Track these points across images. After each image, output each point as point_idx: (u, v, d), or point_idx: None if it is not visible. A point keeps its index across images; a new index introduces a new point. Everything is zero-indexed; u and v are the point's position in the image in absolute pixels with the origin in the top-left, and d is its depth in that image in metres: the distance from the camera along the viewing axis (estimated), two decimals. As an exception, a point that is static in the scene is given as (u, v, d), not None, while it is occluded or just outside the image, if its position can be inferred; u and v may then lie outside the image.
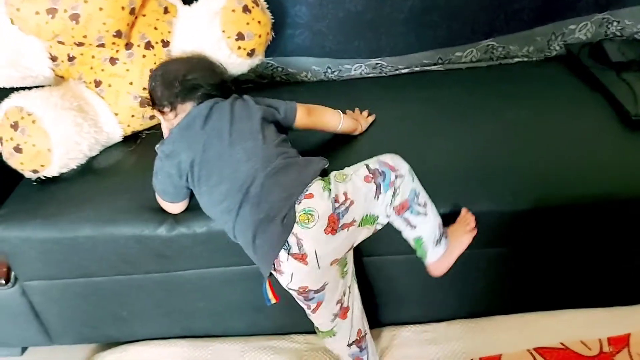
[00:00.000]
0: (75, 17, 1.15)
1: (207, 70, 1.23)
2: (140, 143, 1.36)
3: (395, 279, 1.25)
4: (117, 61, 1.27)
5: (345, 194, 1.02)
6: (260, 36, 1.30)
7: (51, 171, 1.20)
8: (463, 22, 1.49)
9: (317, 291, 1.06)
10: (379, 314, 1.30)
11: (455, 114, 1.35)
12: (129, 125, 1.33)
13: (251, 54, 1.31)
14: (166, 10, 1.35)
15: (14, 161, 1.17)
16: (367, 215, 1.05)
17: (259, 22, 1.30)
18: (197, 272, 1.23)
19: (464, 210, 1.13)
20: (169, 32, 1.33)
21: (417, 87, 1.50)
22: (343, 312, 1.13)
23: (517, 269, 1.24)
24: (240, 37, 1.27)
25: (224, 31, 1.26)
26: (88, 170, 1.26)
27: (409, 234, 1.11)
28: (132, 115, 1.31)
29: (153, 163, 1.16)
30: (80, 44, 1.21)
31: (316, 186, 1.02)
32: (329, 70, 1.57)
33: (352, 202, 1.02)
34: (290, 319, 1.31)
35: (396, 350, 1.30)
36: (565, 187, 1.15)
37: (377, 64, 1.55)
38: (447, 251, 1.11)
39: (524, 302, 1.33)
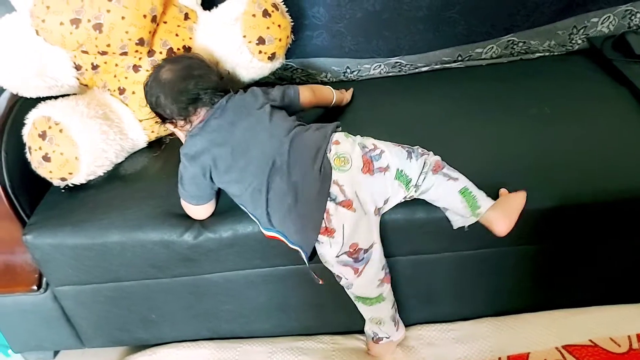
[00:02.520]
0: (98, 27, 1.17)
1: (203, 70, 1.21)
2: (165, 148, 1.38)
3: (421, 278, 1.25)
4: (140, 68, 1.29)
5: (373, 144, 1.09)
6: (280, 40, 1.31)
7: (79, 179, 1.22)
8: (483, 18, 1.48)
9: (366, 250, 1.07)
10: (405, 313, 1.30)
11: (477, 111, 1.34)
12: (153, 131, 1.35)
13: (272, 57, 1.32)
14: (187, 17, 1.36)
15: (42, 170, 1.19)
16: (400, 171, 1.07)
17: (279, 25, 1.31)
18: (223, 275, 1.24)
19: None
20: (190, 38, 1.34)
21: (438, 85, 1.49)
22: (387, 277, 1.14)
23: (545, 266, 1.23)
24: (261, 41, 1.28)
25: (244, 36, 1.28)
26: (115, 176, 1.29)
27: (451, 189, 1.07)
28: (156, 122, 1.32)
29: (177, 168, 1.18)
30: (104, 53, 1.23)
31: (339, 135, 1.10)
32: (349, 71, 1.57)
33: (382, 151, 1.07)
34: (317, 319, 1.33)
35: (422, 349, 1.29)
36: (593, 183, 1.13)
37: (396, 62, 1.55)
38: (503, 206, 1.06)
39: (552, 299, 1.32)
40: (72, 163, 1.18)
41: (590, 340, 1.24)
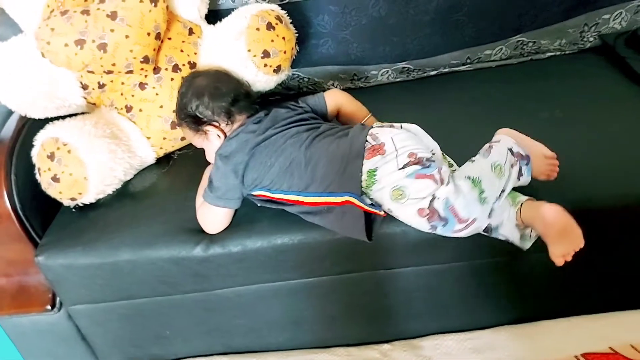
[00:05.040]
0: (103, 47, 1.17)
1: (235, 78, 1.27)
2: (173, 164, 1.38)
3: (435, 288, 1.22)
4: (146, 86, 1.30)
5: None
6: (285, 52, 1.31)
7: (88, 198, 1.23)
8: (490, 18, 1.45)
9: (429, 159, 1.03)
10: (421, 323, 1.28)
11: (488, 115, 1.32)
12: (161, 148, 1.35)
13: (277, 70, 1.32)
14: (191, 32, 1.36)
15: (52, 190, 1.20)
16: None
17: (284, 38, 1.30)
18: (234, 290, 1.23)
19: None
20: (195, 53, 1.34)
21: (447, 89, 1.48)
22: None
23: (562, 272, 1.19)
24: (265, 54, 1.28)
25: (249, 50, 1.27)
26: (124, 194, 1.29)
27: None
28: (164, 138, 1.33)
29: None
30: (110, 72, 1.23)
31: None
32: (356, 78, 1.56)
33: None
34: (331, 332, 1.32)
35: (439, 359, 1.28)
36: (611, 187, 1.10)
37: (404, 67, 1.53)
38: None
39: (570, 305, 1.29)
40: (81, 183, 1.19)
41: (611, 348, 1.21)
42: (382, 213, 1.05)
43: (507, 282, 1.19)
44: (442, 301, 1.26)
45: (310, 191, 1.09)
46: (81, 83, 1.29)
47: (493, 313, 1.30)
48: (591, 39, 1.50)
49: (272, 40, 1.28)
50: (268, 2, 1.39)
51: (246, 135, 1.15)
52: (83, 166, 1.18)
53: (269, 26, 1.28)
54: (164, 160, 1.39)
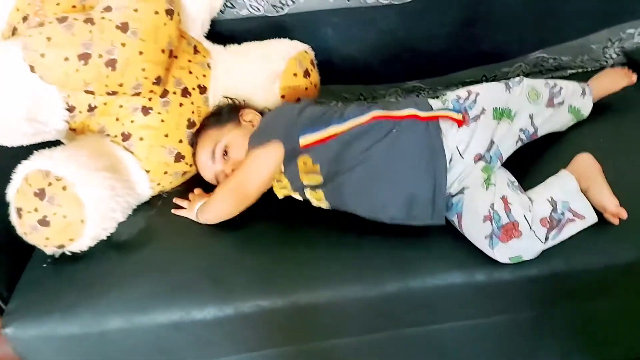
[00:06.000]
0: (111, 63, 0.98)
1: None
2: (162, 205, 1.18)
3: (476, 345, 1.12)
4: (150, 111, 1.10)
5: (468, 90, 1.07)
6: (312, 96, 1.25)
7: (80, 245, 1.01)
8: (509, 33, 1.37)
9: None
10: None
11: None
12: (158, 184, 1.16)
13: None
14: (196, 50, 1.20)
15: (36, 236, 0.97)
16: (497, 108, 1.03)
17: (315, 86, 1.25)
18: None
19: None
20: (204, 75, 1.18)
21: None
22: None
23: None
24: (297, 101, 1.20)
25: (283, 96, 1.19)
26: (107, 244, 1.07)
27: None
28: (165, 172, 1.14)
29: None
30: (113, 93, 1.03)
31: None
32: (362, 98, 1.46)
33: (477, 94, 1.05)
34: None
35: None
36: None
37: (414, 86, 1.45)
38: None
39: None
40: (75, 227, 0.97)
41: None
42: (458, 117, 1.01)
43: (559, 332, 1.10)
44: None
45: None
46: (67, 104, 1.07)
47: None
48: (614, 55, 1.44)
49: (306, 88, 1.22)
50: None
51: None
52: (81, 206, 0.96)
53: (306, 73, 1.22)
54: (150, 200, 1.18)
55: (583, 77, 1.29)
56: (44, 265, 1.05)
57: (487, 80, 1.45)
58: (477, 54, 1.40)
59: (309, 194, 1.04)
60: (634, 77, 1.23)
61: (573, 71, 1.46)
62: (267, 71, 1.19)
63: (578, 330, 1.08)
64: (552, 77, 1.40)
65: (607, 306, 1.05)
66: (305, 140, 1.03)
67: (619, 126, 1.20)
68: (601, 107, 1.22)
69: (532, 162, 1.11)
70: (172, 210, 1.14)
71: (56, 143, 1.13)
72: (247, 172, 1.05)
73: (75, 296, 1.00)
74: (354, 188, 1.00)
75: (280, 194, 1.07)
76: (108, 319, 0.98)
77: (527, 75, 1.44)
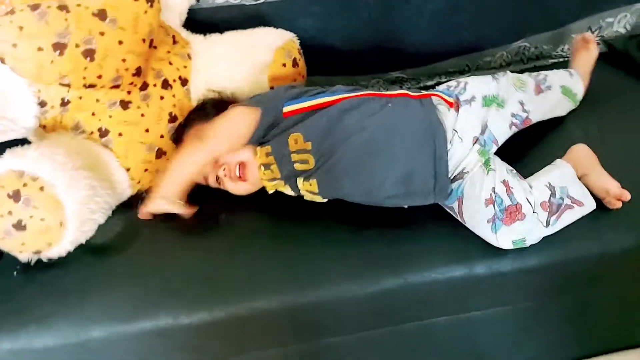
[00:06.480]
0: (89, 54, 0.91)
1: None
2: (142, 204, 1.10)
3: (477, 335, 1.10)
4: (129, 105, 1.04)
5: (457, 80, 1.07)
6: None
7: (59, 250, 0.94)
8: (491, 23, 1.37)
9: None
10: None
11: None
12: (139, 182, 1.09)
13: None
14: (174, 40, 1.14)
15: (10, 242, 0.90)
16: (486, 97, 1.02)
17: (303, 76, 1.21)
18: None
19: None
20: (185, 66, 1.12)
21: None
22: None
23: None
24: None
25: (272, 87, 1.15)
26: (84, 249, 0.99)
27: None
28: (146, 170, 1.08)
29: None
30: (91, 86, 0.96)
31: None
32: (343, 89, 1.42)
33: (466, 83, 1.04)
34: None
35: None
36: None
37: (397, 77, 1.42)
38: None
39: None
40: (54, 230, 0.90)
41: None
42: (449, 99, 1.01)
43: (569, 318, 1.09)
44: (483, 349, 1.13)
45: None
46: (38, 99, 1.00)
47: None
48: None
49: (295, 79, 1.18)
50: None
51: None
52: (60, 208, 0.90)
53: (294, 63, 1.18)
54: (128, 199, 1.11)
55: (564, 66, 1.29)
56: (14, 273, 0.97)
57: (469, 70, 1.44)
58: (459, 44, 1.39)
59: (301, 185, 1.00)
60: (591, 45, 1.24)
61: (554, 60, 1.46)
62: (253, 62, 1.14)
63: (575, 318, 1.08)
64: (535, 67, 1.42)
65: (603, 293, 1.05)
66: (288, 108, 1.01)
67: (608, 116, 1.19)
68: (591, 98, 1.22)
69: (526, 154, 1.10)
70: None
71: (23, 143, 1.05)
72: (215, 122, 1.02)
73: (51, 306, 0.93)
74: (349, 165, 0.96)
75: (270, 187, 1.03)
76: (88, 328, 0.92)
77: (508, 64, 1.45)
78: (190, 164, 1.01)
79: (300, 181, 0.99)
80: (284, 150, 0.98)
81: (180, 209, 1.01)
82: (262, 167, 1.01)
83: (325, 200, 1.02)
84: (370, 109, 0.99)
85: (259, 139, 1.02)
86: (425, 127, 0.97)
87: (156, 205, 1.01)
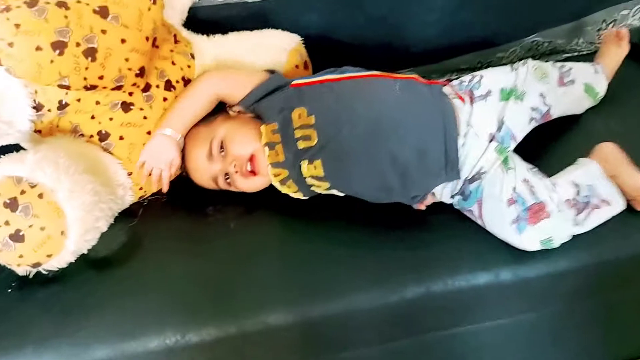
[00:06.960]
0: (90, 53, 0.85)
1: None
2: (142, 214, 1.05)
3: (504, 345, 1.06)
4: (131, 107, 0.98)
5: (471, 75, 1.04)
6: None
7: (59, 261, 0.88)
8: (503, 17, 1.32)
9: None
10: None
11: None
12: (141, 188, 1.04)
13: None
14: (176, 39, 1.08)
15: (7, 254, 0.83)
16: (503, 89, 0.98)
17: None
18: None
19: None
20: (189, 66, 1.06)
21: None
22: None
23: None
24: None
25: None
26: (85, 261, 0.93)
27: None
28: (149, 174, 1.02)
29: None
30: (92, 87, 0.90)
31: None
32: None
33: (481, 77, 1.01)
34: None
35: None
36: None
37: None
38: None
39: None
40: (55, 240, 0.84)
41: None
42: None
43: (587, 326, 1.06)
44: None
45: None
46: (35, 101, 0.94)
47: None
48: (609, 36, 1.41)
49: None
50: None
51: None
52: (61, 216, 0.83)
53: (305, 65, 1.17)
54: (129, 208, 1.05)
55: (578, 60, 1.24)
56: (9, 290, 0.91)
57: (482, 67, 1.39)
58: (470, 40, 1.35)
59: (305, 169, 0.95)
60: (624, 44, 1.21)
61: (568, 55, 1.43)
62: (264, 63, 1.11)
63: (602, 323, 1.04)
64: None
65: (633, 296, 1.01)
66: (297, 81, 1.02)
67: (629, 111, 1.16)
68: (610, 91, 1.18)
69: (545, 152, 1.06)
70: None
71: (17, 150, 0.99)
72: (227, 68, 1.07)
73: (51, 325, 0.87)
74: (355, 143, 0.92)
75: (276, 180, 0.98)
76: (90, 348, 0.86)
77: (521, 60, 1.40)
78: (193, 95, 1.02)
79: (304, 165, 0.94)
80: (288, 127, 0.95)
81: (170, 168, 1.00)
82: (267, 148, 0.97)
83: (334, 191, 0.97)
84: (378, 88, 0.96)
85: (256, 98, 1.01)
86: (433, 106, 0.95)
87: (159, 140, 0.99)
